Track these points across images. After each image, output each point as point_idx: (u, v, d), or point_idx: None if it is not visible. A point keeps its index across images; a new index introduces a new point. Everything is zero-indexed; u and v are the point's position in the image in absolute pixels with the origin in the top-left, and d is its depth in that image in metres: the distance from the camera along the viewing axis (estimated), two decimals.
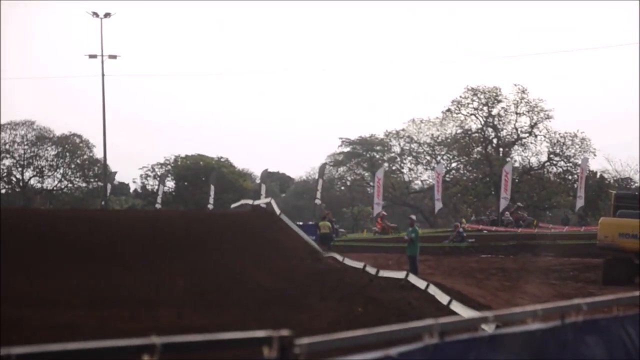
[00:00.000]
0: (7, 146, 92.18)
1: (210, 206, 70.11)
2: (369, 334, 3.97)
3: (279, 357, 3.41)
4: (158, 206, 76.56)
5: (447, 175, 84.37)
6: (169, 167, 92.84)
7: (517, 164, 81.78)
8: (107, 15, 72.21)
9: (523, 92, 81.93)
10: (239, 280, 26.75)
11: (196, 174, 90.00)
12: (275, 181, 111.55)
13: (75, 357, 2.97)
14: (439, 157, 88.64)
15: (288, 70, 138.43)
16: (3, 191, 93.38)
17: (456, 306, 20.29)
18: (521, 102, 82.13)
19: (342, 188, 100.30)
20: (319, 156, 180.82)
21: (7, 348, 2.88)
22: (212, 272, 27.72)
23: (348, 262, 30.28)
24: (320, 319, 20.56)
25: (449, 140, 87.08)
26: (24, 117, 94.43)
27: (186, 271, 27.86)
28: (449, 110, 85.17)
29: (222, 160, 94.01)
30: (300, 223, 48.31)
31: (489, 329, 6.71)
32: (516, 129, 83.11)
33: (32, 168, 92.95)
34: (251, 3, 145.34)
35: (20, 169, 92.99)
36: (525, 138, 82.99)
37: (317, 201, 67.52)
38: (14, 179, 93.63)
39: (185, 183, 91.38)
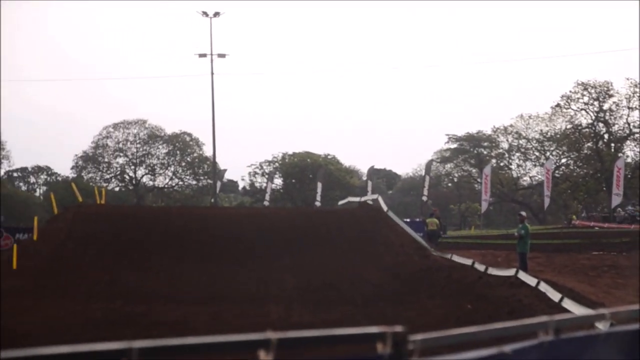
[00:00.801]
0: (120, 145, 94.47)
1: (317, 203, 70.42)
2: (482, 330, 3.94)
3: (392, 353, 3.40)
4: (266, 203, 77.26)
5: (557, 171, 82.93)
6: (277, 164, 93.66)
7: (629, 160, 79.81)
8: (216, 14, 73.25)
9: (636, 86, 79.89)
10: (347, 276, 26.82)
11: (303, 171, 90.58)
12: (382, 178, 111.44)
13: (192, 351, 3.03)
14: (548, 153, 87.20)
15: (395, 66, 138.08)
16: (117, 189, 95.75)
17: (568, 304, 19.92)
18: (634, 96, 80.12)
19: (449, 185, 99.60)
20: (425, 153, 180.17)
21: (128, 342, 2.96)
22: (320, 269, 27.87)
23: (456, 259, 30.06)
24: (429, 316, 20.48)
25: (558, 136, 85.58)
26: (137, 116, 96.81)
27: (294, 268, 28.08)
28: (558, 105, 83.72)
29: (329, 157, 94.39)
30: (407, 220, 48.13)
31: (603, 327, 6.58)
32: (628, 124, 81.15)
33: (144, 166, 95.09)
34: (356, 3, 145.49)
35: (133, 167, 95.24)
36: (638, 133, 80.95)
37: (424, 198, 67.18)
38: (127, 176, 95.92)
39: (293, 180, 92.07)
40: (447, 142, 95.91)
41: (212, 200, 78.72)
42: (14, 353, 2.70)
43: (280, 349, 3.14)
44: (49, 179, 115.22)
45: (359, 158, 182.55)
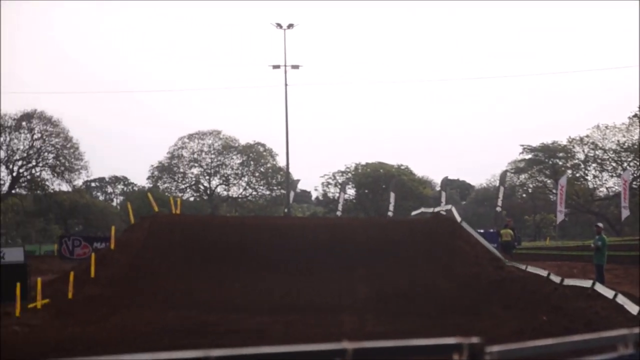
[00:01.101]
0: (195, 155, 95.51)
1: (390, 213, 70.28)
2: (560, 342, 3.90)
3: None
4: (339, 213, 77.31)
5: (635, 182, 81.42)
6: (350, 175, 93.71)
7: None
8: (290, 26, 73.79)
9: None
10: (420, 287, 26.71)
11: (376, 181, 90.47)
12: (455, 188, 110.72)
13: None
14: (625, 164, 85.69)
15: (468, 77, 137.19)
16: (191, 199, 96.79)
17: None
18: None
19: (524, 195, 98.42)
20: (499, 163, 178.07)
21: (205, 351, 3.01)
22: (393, 279, 27.79)
23: (531, 270, 29.70)
24: (504, 327, 20.28)
25: (636, 147, 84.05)
26: (211, 127, 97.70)
27: (368, 278, 28.05)
28: (636, 115, 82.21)
29: (402, 167, 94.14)
30: (481, 231, 47.70)
31: None
32: None
33: (218, 176, 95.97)
34: (432, 12, 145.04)
35: (207, 177, 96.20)
36: None
37: (498, 209, 66.52)
38: (202, 186, 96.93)
39: (366, 191, 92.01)
40: (522, 152, 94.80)
41: (285, 210, 79.04)
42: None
43: (356, 358, 3.15)
44: (125, 188, 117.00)
45: (432, 169, 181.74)
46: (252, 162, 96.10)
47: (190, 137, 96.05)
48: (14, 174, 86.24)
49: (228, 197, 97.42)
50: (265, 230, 34.62)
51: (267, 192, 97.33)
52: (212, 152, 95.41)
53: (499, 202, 66.05)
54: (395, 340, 3.39)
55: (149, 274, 29.00)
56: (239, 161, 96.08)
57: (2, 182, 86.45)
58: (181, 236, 33.04)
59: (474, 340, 3.39)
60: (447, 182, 73.56)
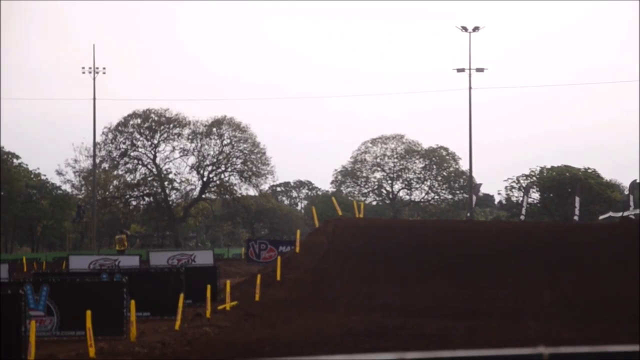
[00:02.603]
0: (378, 159, 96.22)
1: (575, 218, 68.59)
2: None
3: None
4: (522, 217, 76.06)
5: None
6: (534, 178, 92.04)
7: None
8: (475, 29, 73.76)
9: None
10: (609, 293, 25.95)
11: (562, 185, 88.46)
12: None
13: None
14: None
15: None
16: (374, 203, 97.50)
17: None
18: None
19: None
20: None
21: (401, 353, 3.09)
22: (580, 285, 27.13)
23: None
24: None
25: None
26: (394, 131, 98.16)
27: (553, 283, 27.48)
28: None
29: (588, 171, 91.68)
30: None
31: None
32: None
33: (400, 180, 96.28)
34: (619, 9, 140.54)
35: (390, 182, 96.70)
36: None
37: None
38: (384, 191, 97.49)
39: (551, 194, 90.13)
40: None
41: (468, 214, 78.46)
42: None
43: None
44: (310, 193, 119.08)
45: (620, 171, 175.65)
46: (434, 166, 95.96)
47: (374, 141, 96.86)
48: (205, 179, 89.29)
49: (410, 201, 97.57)
50: (447, 233, 34.49)
51: (450, 196, 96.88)
52: (395, 156, 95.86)
53: None
54: (590, 346, 3.36)
55: (332, 276, 29.43)
56: (421, 165, 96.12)
57: (193, 186, 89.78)
58: (364, 239, 33.36)
59: None
60: (635, 186, 71.09)
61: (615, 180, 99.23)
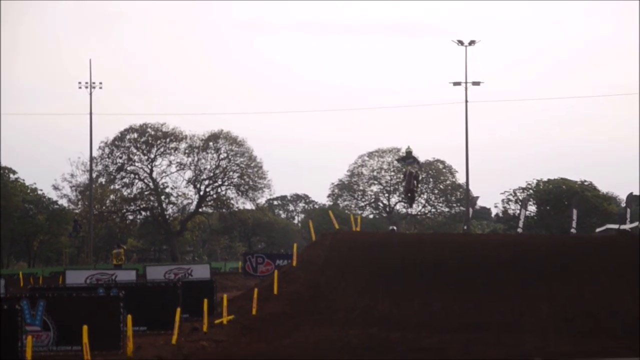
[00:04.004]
0: (374, 173, 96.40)
1: (572, 230, 68.62)
2: None
3: None
4: (520, 230, 76.09)
5: None
6: (531, 191, 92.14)
7: None
8: (471, 42, 74.23)
9: None
10: (607, 307, 25.95)
11: (559, 197, 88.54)
12: None
13: None
14: None
15: None
16: (371, 216, 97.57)
17: None
18: None
19: None
20: None
21: None
22: (577, 298, 27.12)
23: None
24: None
25: None
26: (391, 145, 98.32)
27: (550, 296, 27.48)
28: None
29: (585, 183, 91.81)
30: None
31: None
32: None
33: (397, 193, 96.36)
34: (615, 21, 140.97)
35: (386, 195, 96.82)
36: None
37: None
38: (381, 204, 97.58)
39: (548, 207, 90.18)
40: None
41: (465, 227, 78.46)
42: None
43: None
44: (306, 206, 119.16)
45: (617, 184, 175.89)
46: (431, 179, 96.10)
47: (370, 155, 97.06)
48: (201, 193, 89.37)
49: (407, 215, 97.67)
50: (444, 247, 34.47)
51: (447, 209, 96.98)
52: (392, 169, 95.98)
53: None
54: (587, 359, 3.39)
55: (329, 290, 29.39)
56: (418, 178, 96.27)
57: (190, 200, 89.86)
58: (361, 253, 33.34)
59: None
60: (632, 199, 71.13)
61: (612, 193, 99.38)
